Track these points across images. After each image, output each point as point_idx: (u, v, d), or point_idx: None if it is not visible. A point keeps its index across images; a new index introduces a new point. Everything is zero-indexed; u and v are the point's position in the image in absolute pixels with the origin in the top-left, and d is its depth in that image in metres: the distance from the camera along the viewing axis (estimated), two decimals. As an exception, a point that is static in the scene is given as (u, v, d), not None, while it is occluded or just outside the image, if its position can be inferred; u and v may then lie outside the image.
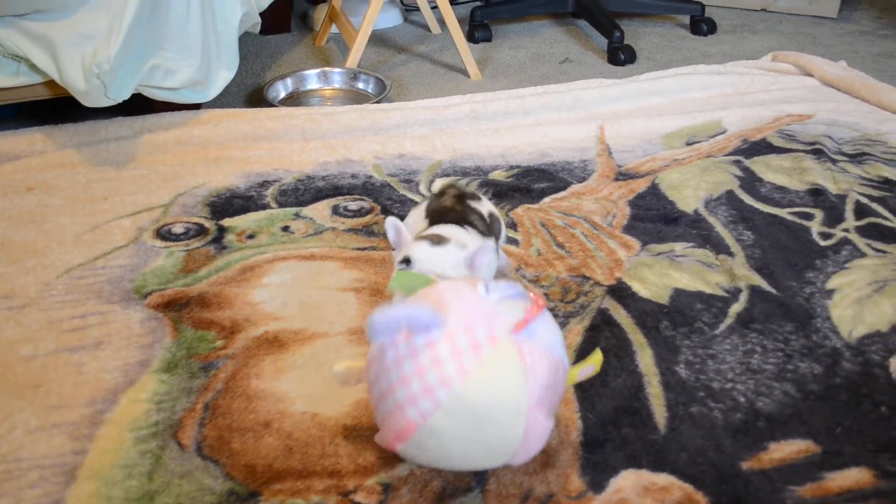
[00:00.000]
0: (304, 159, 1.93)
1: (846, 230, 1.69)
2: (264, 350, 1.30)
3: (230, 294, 1.43)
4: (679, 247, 1.60)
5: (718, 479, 1.08)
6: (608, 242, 1.61)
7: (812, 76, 2.53)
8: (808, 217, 1.73)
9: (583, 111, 2.25)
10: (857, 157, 2.02)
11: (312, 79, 2.50)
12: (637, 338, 1.34)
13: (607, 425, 1.16)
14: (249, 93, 2.44)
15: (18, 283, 1.45)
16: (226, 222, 1.66)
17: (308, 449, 1.11)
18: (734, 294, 1.46)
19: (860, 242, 1.64)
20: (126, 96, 1.87)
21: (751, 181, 1.88)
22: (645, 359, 1.29)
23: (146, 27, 1.84)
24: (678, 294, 1.46)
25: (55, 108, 2.10)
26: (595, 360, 1.10)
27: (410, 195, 1.77)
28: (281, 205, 1.73)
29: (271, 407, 1.19)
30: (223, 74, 2.12)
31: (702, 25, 3.05)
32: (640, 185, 1.84)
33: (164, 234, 1.62)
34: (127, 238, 1.60)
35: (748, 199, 1.79)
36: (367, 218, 1.68)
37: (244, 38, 2.63)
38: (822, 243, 1.64)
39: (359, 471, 1.08)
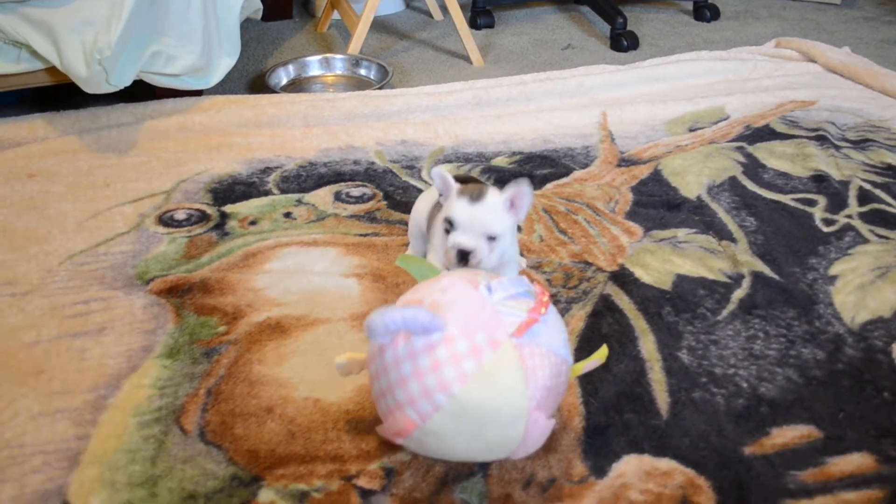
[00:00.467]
0: (306, 146, 1.92)
1: (849, 216, 1.68)
2: (267, 336, 1.30)
3: (232, 280, 1.43)
4: (682, 233, 1.60)
5: (720, 465, 1.08)
6: (611, 228, 1.61)
7: (815, 62, 2.52)
8: (811, 203, 1.73)
9: (585, 97, 2.24)
10: (861, 144, 2.01)
11: (314, 65, 2.49)
12: (639, 323, 1.34)
13: (609, 410, 1.16)
14: (251, 79, 2.43)
15: (21, 269, 1.45)
16: (228, 208, 1.66)
17: (310, 434, 1.12)
18: (737, 280, 1.46)
19: (863, 228, 1.64)
20: (127, 83, 1.87)
21: (754, 167, 1.87)
22: (647, 344, 1.29)
23: (147, 14, 1.83)
24: (681, 280, 1.45)
25: (57, 95, 2.10)
26: (601, 355, 1.10)
27: (413, 181, 1.77)
28: (283, 191, 1.73)
29: (274, 392, 1.19)
30: (225, 61, 2.12)
31: (705, 11, 3.04)
32: (643, 172, 1.84)
33: (166, 221, 1.61)
34: (129, 224, 1.60)
35: (751, 186, 1.79)
36: (370, 204, 1.68)
37: (245, 25, 2.63)
38: (825, 229, 1.63)
39: (361, 455, 1.08)
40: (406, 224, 1.59)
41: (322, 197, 1.71)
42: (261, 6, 2.24)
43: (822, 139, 2.01)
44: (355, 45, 2.52)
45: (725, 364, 1.26)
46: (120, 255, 1.50)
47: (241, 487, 1.04)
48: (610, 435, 1.12)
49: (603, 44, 2.79)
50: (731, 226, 1.63)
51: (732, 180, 1.81)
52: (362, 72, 2.48)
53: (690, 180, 1.80)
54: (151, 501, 1.01)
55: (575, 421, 1.14)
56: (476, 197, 1.18)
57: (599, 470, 1.06)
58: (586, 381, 1.21)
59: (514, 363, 0.96)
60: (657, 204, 1.70)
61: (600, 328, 1.33)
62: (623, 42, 2.73)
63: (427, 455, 1.05)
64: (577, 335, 1.31)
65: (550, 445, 1.09)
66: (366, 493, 1.03)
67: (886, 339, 1.33)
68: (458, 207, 1.18)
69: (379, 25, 2.89)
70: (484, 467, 1.06)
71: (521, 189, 1.17)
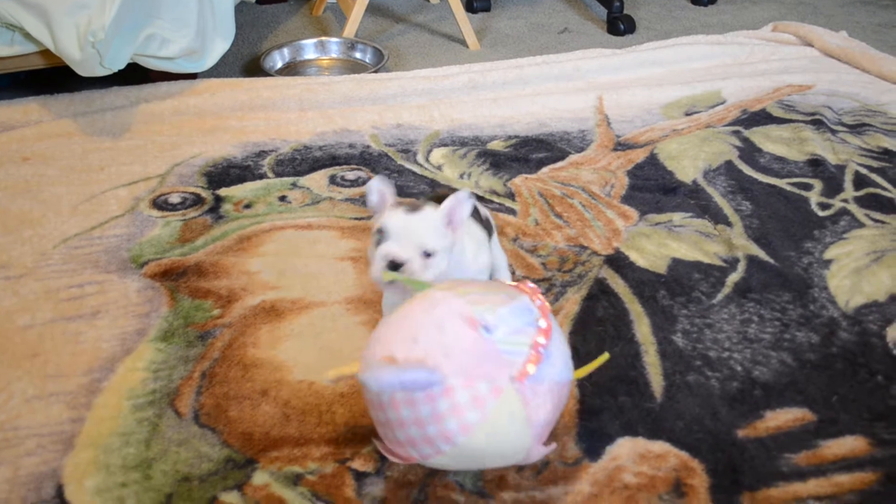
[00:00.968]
0: (301, 129, 1.92)
1: (845, 201, 1.68)
2: (261, 319, 1.30)
3: (227, 263, 1.43)
4: (677, 217, 1.60)
5: (714, 447, 1.08)
6: (606, 212, 1.60)
7: (812, 46, 2.51)
8: (807, 187, 1.73)
9: (582, 81, 2.23)
10: (857, 128, 2.01)
11: (309, 48, 2.48)
12: (634, 307, 1.34)
13: (604, 394, 1.16)
14: (246, 62, 2.42)
15: (15, 253, 1.45)
16: (223, 192, 1.66)
17: (305, 417, 1.12)
18: (732, 264, 1.46)
19: (859, 213, 1.64)
20: (121, 65, 1.86)
21: (750, 151, 1.87)
22: (642, 328, 1.29)
23: (141, -5, 1.83)
24: (676, 264, 1.45)
25: (51, 78, 2.09)
26: (602, 360, 1.07)
27: (408, 165, 1.76)
28: (278, 175, 1.73)
29: (268, 375, 1.19)
30: (219, 44, 2.10)
31: (702, -5, 3.03)
32: (639, 156, 1.83)
33: (160, 204, 1.61)
34: (123, 208, 1.59)
35: (747, 170, 1.79)
36: (365, 188, 1.67)
37: (240, 8, 2.62)
38: (821, 214, 1.63)
39: (355, 438, 1.08)
40: (401, 208, 1.59)
41: (317, 180, 1.70)
42: (255, -11, 2.23)
43: (818, 123, 2.01)
44: (351, 29, 2.51)
45: (720, 347, 1.26)
46: (114, 238, 1.50)
47: (236, 470, 1.04)
48: (604, 418, 1.12)
49: (599, 27, 2.78)
50: (727, 210, 1.63)
51: (728, 164, 1.80)
52: (358, 55, 2.47)
53: (686, 164, 1.80)
54: (145, 484, 1.02)
55: (570, 404, 1.14)
56: (412, 209, 1.10)
57: (593, 452, 1.06)
58: (581, 364, 1.20)
59: (517, 408, 0.91)
60: (653, 188, 1.70)
61: (595, 312, 1.33)
62: (620, 26, 2.72)
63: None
64: (571, 319, 1.31)
65: (545, 428, 1.09)
66: (360, 476, 1.03)
67: (881, 323, 1.33)
68: (392, 216, 1.09)
69: (374, 8, 2.87)
70: (478, 450, 1.06)
71: (459, 199, 1.10)
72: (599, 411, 1.13)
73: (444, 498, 1.01)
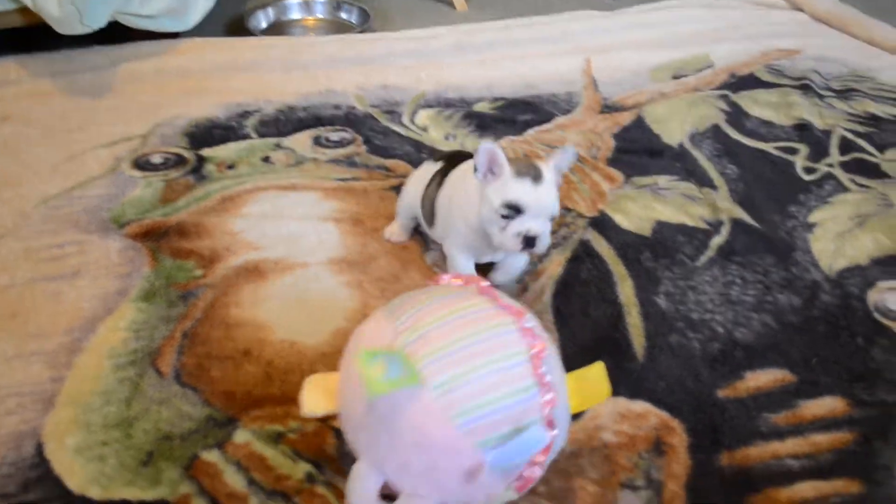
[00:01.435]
0: (285, 90, 1.90)
1: (830, 165, 1.68)
2: (244, 279, 1.29)
3: (209, 224, 1.42)
4: (663, 179, 1.59)
5: (695, 407, 1.09)
6: (591, 175, 1.60)
7: (802, 11, 2.50)
8: (793, 152, 1.72)
9: (570, 43, 2.22)
10: (845, 93, 2.00)
11: (294, 8, 2.45)
12: (618, 269, 1.34)
13: (586, 354, 1.16)
14: (229, 22, 2.39)
15: (-6, 212, 1.44)
16: (205, 152, 1.64)
17: (287, 376, 1.11)
18: (716, 227, 1.46)
19: (844, 177, 1.64)
20: (102, 24, 1.83)
21: (737, 115, 1.86)
22: (625, 290, 1.29)
23: (122, -49, 1.79)
24: (660, 226, 1.45)
25: (30, 37, 2.05)
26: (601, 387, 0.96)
27: (393, 126, 1.75)
28: (261, 135, 1.71)
29: (251, 335, 1.18)
30: (202, 3, 2.08)
31: (692, -42, 3.00)
32: (626, 118, 1.83)
33: (142, 165, 1.59)
34: (104, 168, 1.57)
35: (734, 134, 1.78)
36: (349, 149, 1.66)
37: (224, -34, 2.57)
38: (806, 178, 1.63)
39: (338, 398, 1.08)
40: (386, 169, 1.58)
41: (301, 141, 1.69)
42: (239, -53, 2.19)
43: (806, 88, 2.00)
44: (337, -11, 2.48)
45: (702, 309, 1.26)
46: (95, 198, 1.48)
47: (217, 428, 1.04)
48: (586, 378, 1.12)
49: (588, -10, 2.75)
50: (713, 173, 1.62)
51: (715, 128, 1.80)
52: (343, 15, 2.44)
53: (673, 128, 1.79)
54: (126, 442, 1.01)
55: (551, 364, 1.14)
56: (536, 177, 1.09)
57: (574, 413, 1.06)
58: (564, 326, 1.21)
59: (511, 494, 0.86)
60: (639, 151, 1.69)
61: (579, 274, 1.33)
62: (609, -12, 2.70)
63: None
64: (555, 280, 1.31)
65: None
66: (341, 434, 1.02)
67: (862, 287, 1.33)
68: (523, 191, 1.08)
69: (361, -31, 2.84)
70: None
71: (564, 151, 1.12)
72: (581, 372, 1.13)
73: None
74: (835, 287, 1.33)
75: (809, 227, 1.47)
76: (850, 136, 1.80)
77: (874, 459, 1.02)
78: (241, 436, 1.03)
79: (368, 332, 0.89)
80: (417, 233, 1.40)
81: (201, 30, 2.18)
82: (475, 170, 1.12)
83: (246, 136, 1.70)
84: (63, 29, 1.78)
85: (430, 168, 1.31)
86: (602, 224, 1.45)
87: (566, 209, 1.48)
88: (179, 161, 1.61)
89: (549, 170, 1.11)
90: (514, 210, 1.09)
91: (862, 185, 1.61)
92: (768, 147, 1.73)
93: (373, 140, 1.69)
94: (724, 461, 1.01)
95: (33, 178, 1.53)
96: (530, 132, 1.75)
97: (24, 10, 1.84)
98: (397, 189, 1.50)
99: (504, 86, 1.95)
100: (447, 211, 1.22)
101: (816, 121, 1.84)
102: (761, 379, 1.14)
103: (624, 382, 1.12)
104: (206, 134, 1.71)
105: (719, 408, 1.09)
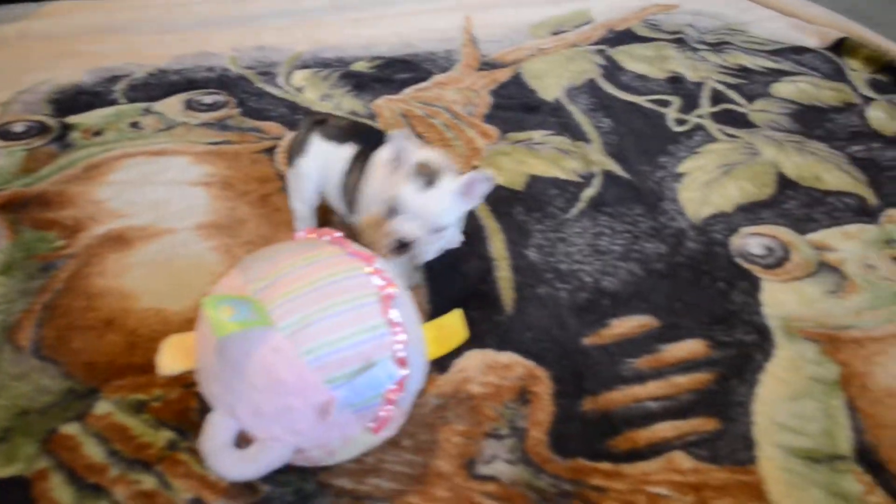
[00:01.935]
0: (157, 53, 1.84)
1: (700, 116, 1.72)
2: (108, 248, 1.26)
3: (73, 193, 1.37)
4: (538, 134, 1.61)
5: (560, 355, 1.11)
6: (467, 131, 1.60)
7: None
8: (666, 104, 1.76)
9: (450, 0, 2.21)
10: (718, 46, 2.05)
11: (169, -31, 2.36)
12: (490, 223, 1.35)
13: (455, 308, 1.17)
14: (101, -16, 2.29)
15: None
16: (71, 119, 1.58)
17: (151, 344, 1.08)
18: (588, 179, 1.48)
19: (713, 128, 1.68)
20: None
21: (613, 70, 1.89)
22: (496, 244, 1.31)
23: None
24: (533, 180, 1.47)
25: None
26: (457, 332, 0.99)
27: (268, 88, 1.72)
28: (131, 100, 1.66)
29: (114, 304, 1.15)
30: (67, -37, 1.99)
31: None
32: (504, 75, 1.83)
33: (2, 134, 1.53)
34: (-39, 138, 1.50)
35: (609, 88, 1.81)
36: (222, 112, 1.63)
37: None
38: (677, 129, 1.67)
39: (203, 363, 1.06)
40: (259, 131, 1.55)
41: (172, 105, 1.64)
42: None
43: (680, 42, 2.04)
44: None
45: (571, 260, 1.28)
46: (-50, 169, 1.42)
47: (77, 401, 1.01)
48: (455, 332, 1.13)
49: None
50: (587, 127, 1.65)
51: (591, 83, 1.82)
52: (221, -24, 2.37)
53: (550, 83, 1.81)
54: (-21, 419, 0.98)
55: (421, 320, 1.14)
56: (429, 181, 1.04)
57: (441, 366, 1.07)
58: (434, 281, 1.21)
59: (370, 439, 0.88)
60: (515, 107, 1.71)
61: (452, 230, 1.33)
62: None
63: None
64: (428, 237, 1.31)
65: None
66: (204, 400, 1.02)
67: (726, 233, 1.37)
68: (409, 190, 1.03)
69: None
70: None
71: (479, 176, 1.04)
72: (450, 326, 1.14)
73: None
74: (700, 234, 1.37)
75: (678, 177, 1.51)
76: (721, 87, 1.85)
77: (730, 397, 1.06)
78: (102, 407, 1.00)
79: (222, 286, 0.88)
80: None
81: (68, -8, 2.10)
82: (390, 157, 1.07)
83: (114, 102, 1.65)
84: (-89, -8, 1.69)
85: (328, 149, 1.20)
86: (476, 180, 1.45)
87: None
88: (43, 129, 1.55)
89: (451, 182, 1.05)
90: (393, 209, 1.05)
91: (730, 135, 1.66)
92: (641, 100, 1.77)
93: (247, 102, 1.66)
94: (587, 406, 1.04)
95: None
96: (408, 91, 1.74)
97: None
98: (270, 152, 1.48)
99: (383, 45, 1.94)
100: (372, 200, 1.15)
101: (689, 73, 1.88)
102: (626, 325, 1.17)
103: (491, 334, 1.13)
104: (72, 100, 1.65)
105: (584, 355, 1.11)
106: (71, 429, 0.98)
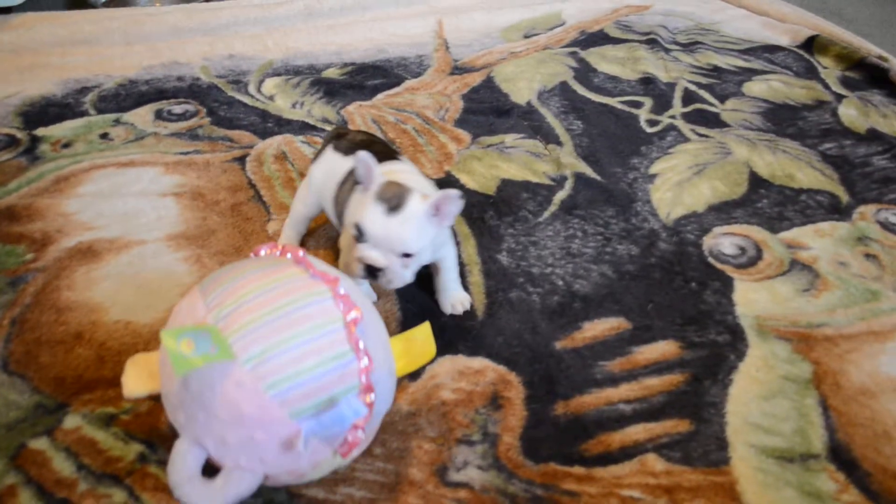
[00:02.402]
0: (126, 63, 1.83)
1: (673, 117, 1.73)
2: (77, 261, 1.25)
3: (41, 206, 1.36)
4: (509, 138, 1.61)
5: (532, 360, 1.11)
6: (439, 136, 1.60)
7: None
8: (638, 105, 1.77)
9: (422, 5, 2.21)
10: (690, 46, 2.06)
11: (139, -22, 2.36)
12: (462, 229, 1.35)
13: (425, 314, 1.16)
14: (70, -5, 2.28)
15: None
16: (40, 132, 1.57)
17: (121, 357, 1.08)
18: (560, 182, 1.48)
19: (685, 128, 1.69)
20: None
21: (585, 72, 1.89)
22: (468, 249, 1.31)
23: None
24: (505, 184, 1.47)
25: None
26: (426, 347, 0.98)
27: (238, 96, 1.71)
28: (100, 111, 1.65)
29: (83, 318, 1.15)
30: (34, -26, 1.98)
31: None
32: (476, 79, 1.83)
33: (-30, 147, 1.51)
34: (-73, 152, 1.49)
35: (581, 90, 1.81)
36: (192, 121, 1.62)
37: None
38: (649, 130, 1.68)
39: (173, 376, 1.06)
40: (231, 140, 1.55)
41: (142, 116, 1.63)
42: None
43: (652, 42, 2.05)
44: (184, -43, 2.39)
45: (543, 264, 1.28)
46: (-84, 185, 1.40)
47: (46, 415, 1.00)
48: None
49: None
50: (559, 129, 1.65)
51: (563, 85, 1.83)
52: (191, -16, 2.36)
53: (522, 86, 1.81)
54: (-54, 438, 0.97)
55: (392, 327, 1.14)
56: (394, 206, 1.00)
57: (413, 374, 1.07)
58: (405, 288, 1.21)
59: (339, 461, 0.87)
60: (487, 111, 1.71)
61: (424, 235, 1.33)
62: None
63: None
64: (400, 243, 1.31)
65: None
66: (176, 413, 1.01)
67: (698, 233, 1.38)
68: (371, 218, 1.00)
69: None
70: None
71: (448, 196, 1.00)
72: (422, 332, 1.14)
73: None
74: (672, 235, 1.37)
75: (650, 177, 1.52)
76: (692, 87, 1.85)
77: (703, 398, 1.07)
78: (71, 421, 0.99)
79: (182, 310, 0.87)
80: (260, 201, 1.37)
81: (38, 4, 2.09)
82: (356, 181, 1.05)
83: (84, 113, 1.64)
84: None
85: (335, 159, 1.20)
86: (448, 185, 1.45)
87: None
88: (11, 142, 1.53)
89: (418, 204, 1.01)
90: (359, 232, 1.02)
91: (702, 135, 1.67)
92: (614, 102, 1.77)
93: (217, 111, 1.65)
94: (559, 410, 1.04)
95: None
96: (379, 96, 1.74)
97: None
98: (241, 160, 1.47)
99: (355, 51, 1.94)
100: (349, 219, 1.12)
101: (661, 74, 1.89)
102: (598, 328, 1.17)
103: (463, 340, 1.13)
104: (41, 112, 1.63)
105: (556, 359, 1.11)
106: (40, 444, 0.97)
